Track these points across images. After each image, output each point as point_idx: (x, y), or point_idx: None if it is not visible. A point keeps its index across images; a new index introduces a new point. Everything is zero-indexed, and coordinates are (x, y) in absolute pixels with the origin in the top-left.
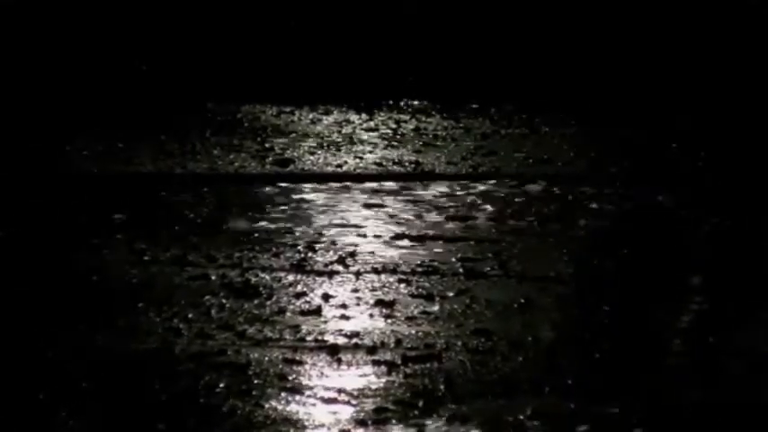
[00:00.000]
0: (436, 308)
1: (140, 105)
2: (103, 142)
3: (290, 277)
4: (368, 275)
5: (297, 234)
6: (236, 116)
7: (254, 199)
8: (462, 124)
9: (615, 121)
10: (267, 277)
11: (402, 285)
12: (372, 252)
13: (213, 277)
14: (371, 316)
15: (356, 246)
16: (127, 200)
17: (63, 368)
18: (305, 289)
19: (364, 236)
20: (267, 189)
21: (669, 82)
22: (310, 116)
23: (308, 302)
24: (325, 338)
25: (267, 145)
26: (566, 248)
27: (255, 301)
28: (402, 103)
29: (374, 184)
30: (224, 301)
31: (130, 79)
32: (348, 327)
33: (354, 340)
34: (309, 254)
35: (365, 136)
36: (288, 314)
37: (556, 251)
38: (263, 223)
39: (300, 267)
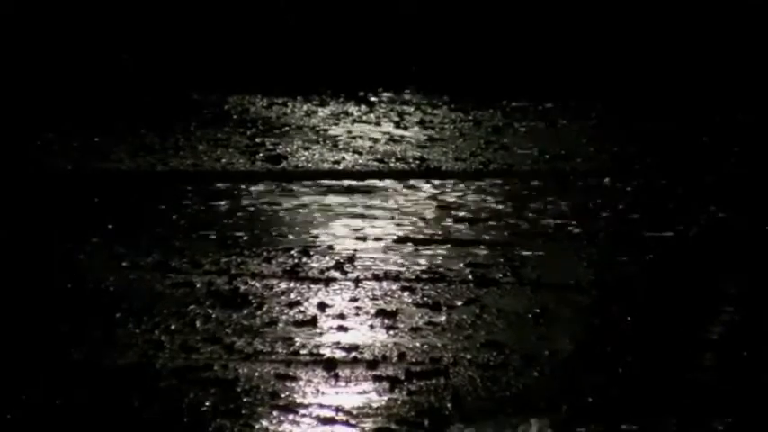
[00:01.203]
0: (443, 318)
1: (118, 96)
2: (78, 137)
3: (283, 285)
4: (368, 282)
5: (290, 237)
6: (223, 108)
7: (243, 199)
8: (472, 117)
9: (639, 113)
10: (257, 285)
11: (405, 293)
12: (373, 257)
13: (198, 285)
14: (372, 327)
15: (355, 250)
16: (104, 200)
17: (33, 385)
18: (299, 297)
19: (364, 239)
20: (257, 188)
21: (697, 72)
22: (304, 108)
23: (303, 312)
24: (322, 352)
25: (257, 140)
26: (585, 253)
27: (245, 311)
28: (405, 94)
29: (375, 183)
30: (210, 310)
31: (107, 68)
32: (346, 339)
33: (353, 354)
34: (304, 259)
35: (365, 129)
36: (280, 325)
37: (575, 256)
38: (252, 225)
39: (294, 274)
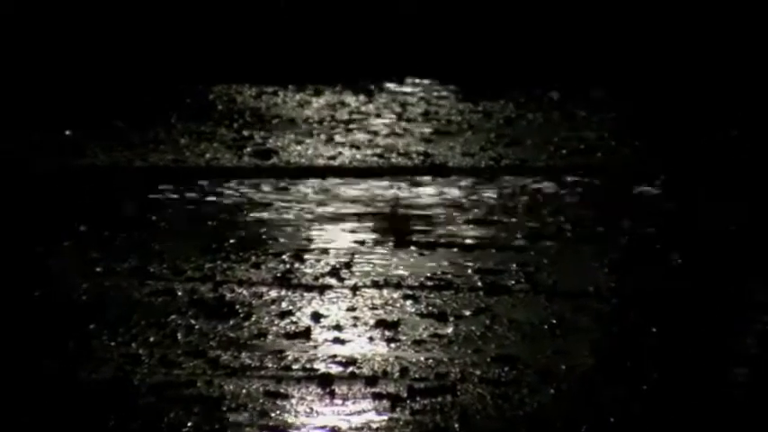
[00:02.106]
0: (449, 330)
1: (92, 86)
2: (50, 130)
3: (273, 293)
4: (367, 290)
5: (281, 241)
6: (207, 98)
7: (229, 198)
8: (481, 107)
9: (664, 103)
10: (245, 293)
11: (408, 302)
12: (372, 262)
13: (180, 293)
14: (371, 339)
15: (353, 254)
16: (77, 199)
17: (0, 402)
18: (291, 307)
19: (362, 242)
20: (245, 186)
21: (726, 59)
22: (297, 98)
23: (295, 323)
24: (316, 367)
25: (245, 133)
26: (606, 257)
27: (231, 322)
28: (408, 82)
29: (375, 181)
30: (193, 321)
31: (82, 55)
32: (343, 352)
33: (350, 369)
34: (296, 264)
35: (363, 121)
36: (270, 337)
37: (594, 261)
38: (240, 227)
39: (285, 281)
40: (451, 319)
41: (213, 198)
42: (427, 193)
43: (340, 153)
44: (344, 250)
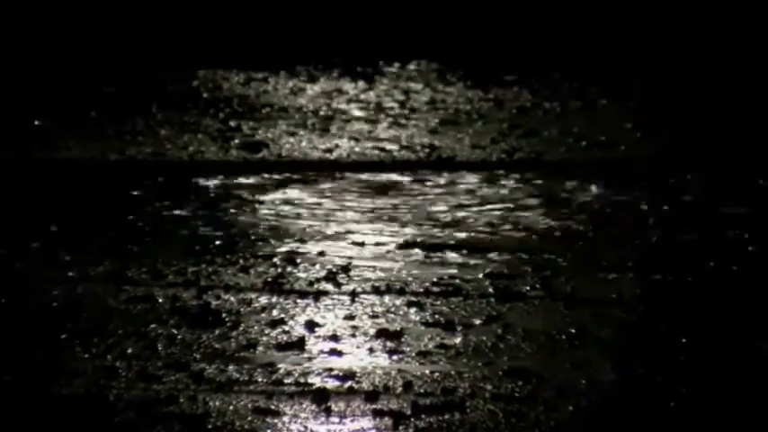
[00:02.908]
0: (458, 340)
1: (65, 72)
2: (21, 121)
3: (264, 299)
4: (367, 297)
5: (272, 242)
6: (190, 85)
7: (214, 195)
8: (492, 95)
9: (693, 91)
10: (232, 299)
11: (412, 310)
12: (373, 266)
13: (160, 299)
14: (371, 351)
15: (351, 257)
16: (48, 196)
17: None
18: (283, 315)
19: (362, 244)
20: (232, 182)
21: (750, 47)
22: (290, 84)
23: (287, 333)
24: (311, 381)
25: (232, 123)
26: (630, 262)
27: (217, 332)
28: (412, 67)
29: (375, 176)
30: (174, 331)
31: (56, 39)
32: (340, 365)
33: (349, 383)
34: (289, 268)
35: (363, 111)
36: (260, 348)
37: (617, 265)
38: (226, 227)
39: (277, 286)
40: (460, 328)
41: (197, 195)
42: (433, 189)
43: (337, 146)
44: (342, 252)
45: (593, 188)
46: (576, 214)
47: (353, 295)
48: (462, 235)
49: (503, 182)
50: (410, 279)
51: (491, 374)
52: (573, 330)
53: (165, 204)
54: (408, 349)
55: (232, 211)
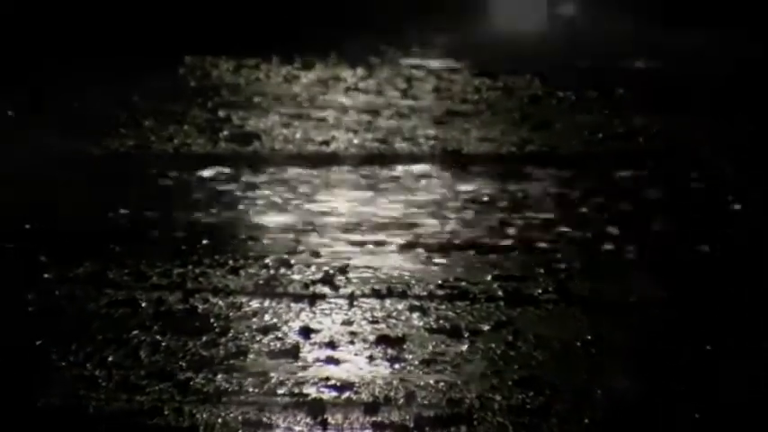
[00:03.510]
0: (464, 347)
1: (42, 59)
2: None
3: (255, 303)
4: (366, 300)
5: (264, 242)
6: (177, 72)
7: (202, 190)
8: (502, 83)
9: (715, 78)
10: (221, 303)
11: (415, 315)
12: (372, 267)
13: (143, 303)
14: (371, 359)
15: (349, 258)
16: (21, 193)
17: None
18: (276, 320)
19: (361, 244)
20: (221, 176)
21: None
22: (283, 72)
23: (281, 339)
24: (306, 391)
25: (221, 113)
26: (649, 262)
27: (204, 338)
28: (415, 52)
29: (375, 170)
30: (159, 337)
31: (29, 21)
32: (338, 374)
33: (347, 394)
34: (282, 269)
35: (362, 100)
36: (251, 356)
37: (636, 267)
38: (214, 226)
39: (269, 289)
40: (466, 334)
41: (183, 191)
42: (438, 185)
43: (334, 137)
44: (339, 253)
45: (611, 183)
46: (592, 212)
47: (352, 299)
48: (469, 234)
49: (513, 177)
50: (413, 281)
51: (500, 384)
52: (589, 337)
53: (149, 201)
54: (411, 357)
55: (220, 208)
